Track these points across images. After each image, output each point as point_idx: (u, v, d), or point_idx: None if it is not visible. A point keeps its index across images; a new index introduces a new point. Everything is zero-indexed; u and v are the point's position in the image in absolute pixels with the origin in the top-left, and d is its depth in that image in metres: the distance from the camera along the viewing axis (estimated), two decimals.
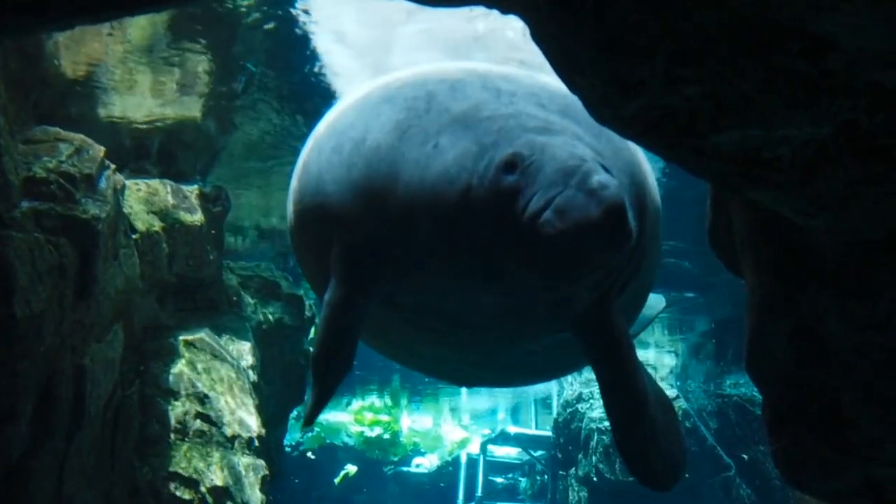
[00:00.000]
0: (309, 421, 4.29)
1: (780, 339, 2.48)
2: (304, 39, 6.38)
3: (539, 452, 18.50)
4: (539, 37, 2.08)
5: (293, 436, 18.73)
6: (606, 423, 12.46)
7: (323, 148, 4.05)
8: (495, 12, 2.28)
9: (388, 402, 21.28)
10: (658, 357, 17.83)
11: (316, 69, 6.78)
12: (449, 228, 3.58)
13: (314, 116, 5.38)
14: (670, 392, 16.01)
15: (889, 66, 1.88)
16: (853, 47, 1.84)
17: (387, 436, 20.96)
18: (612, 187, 3.19)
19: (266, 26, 6.14)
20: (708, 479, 15.09)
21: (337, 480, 19.40)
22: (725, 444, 15.47)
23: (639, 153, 4.09)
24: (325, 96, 6.93)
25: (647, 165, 4.25)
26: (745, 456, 14.94)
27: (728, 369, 16.18)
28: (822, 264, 2.29)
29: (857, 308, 2.25)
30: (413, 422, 22.61)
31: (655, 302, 6.41)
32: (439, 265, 3.74)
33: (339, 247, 3.96)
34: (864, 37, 1.81)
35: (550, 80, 3.80)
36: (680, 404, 15.67)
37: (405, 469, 20.99)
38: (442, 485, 20.51)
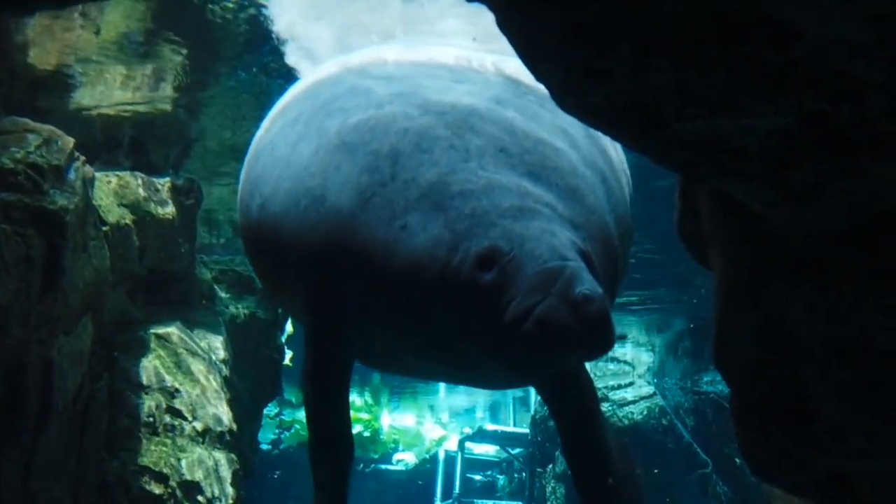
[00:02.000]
0: None
1: (745, 331, 2.48)
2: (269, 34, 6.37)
3: (517, 450, 18.51)
4: (504, 24, 2.06)
5: (271, 433, 18.65)
6: None
7: (278, 183, 3.80)
8: None
9: (369, 399, 21.26)
10: (635, 354, 17.90)
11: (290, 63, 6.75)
12: (417, 316, 3.42)
13: None
14: (647, 389, 16.08)
15: (855, 55, 1.87)
16: (819, 36, 1.83)
17: (367, 433, 20.94)
18: (597, 299, 3.02)
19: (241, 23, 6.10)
20: (684, 476, 15.15)
21: None
22: (702, 442, 15.52)
23: (613, 193, 3.91)
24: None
25: (623, 192, 4.14)
26: (725, 449, 15.01)
27: (705, 366, 16.26)
28: (787, 255, 2.29)
29: (822, 299, 2.25)
30: (393, 420, 22.60)
31: None
32: (403, 343, 3.64)
33: (302, 304, 3.83)
34: (829, 25, 1.80)
35: (516, 104, 3.74)
36: (657, 402, 15.73)
37: (383, 467, 20.96)
38: (420, 482, 20.49)
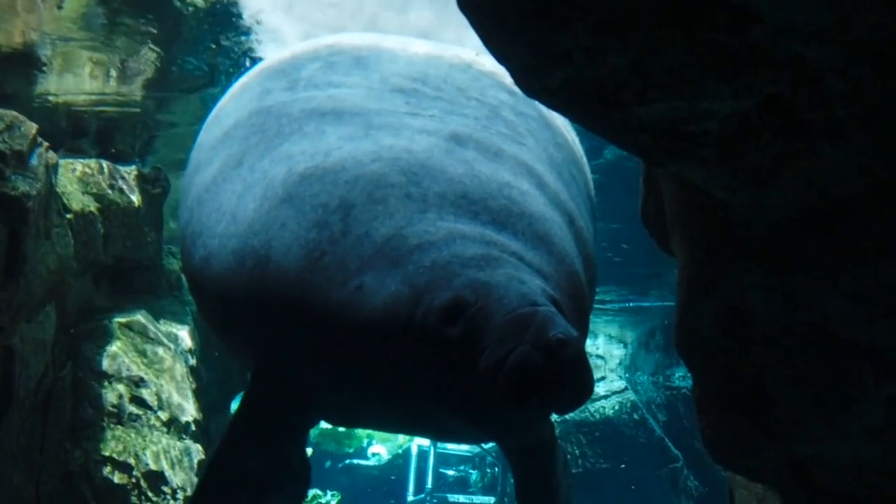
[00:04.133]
0: None
1: (706, 317, 2.48)
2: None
3: (490, 444, 18.53)
4: (465, 6, 2.05)
5: None
6: (554, 416, 12.53)
7: (223, 239, 3.46)
8: None
9: None
10: (607, 348, 17.97)
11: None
12: (379, 379, 3.14)
13: None
14: (619, 384, 16.16)
15: (812, 38, 1.88)
16: (776, 19, 1.83)
17: (342, 427, 20.90)
18: (572, 343, 2.78)
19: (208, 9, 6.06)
20: (655, 470, 15.24)
21: None
22: (673, 436, 15.61)
23: (580, 234, 3.66)
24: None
25: (590, 228, 3.91)
26: (696, 444, 15.13)
27: (677, 361, 16.34)
28: (746, 241, 2.30)
29: (780, 285, 2.26)
30: None
31: None
32: (364, 405, 3.41)
33: (252, 361, 3.58)
34: (786, 9, 1.81)
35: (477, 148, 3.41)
36: (629, 396, 15.81)
37: (356, 462, 20.92)
38: (393, 477, 20.47)
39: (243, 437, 3.55)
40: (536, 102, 3.89)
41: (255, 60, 6.68)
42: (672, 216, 2.59)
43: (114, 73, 6.95)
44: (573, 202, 3.71)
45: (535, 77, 2.13)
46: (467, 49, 4.13)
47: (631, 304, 15.56)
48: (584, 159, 4.29)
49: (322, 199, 3.20)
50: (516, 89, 3.83)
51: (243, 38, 6.50)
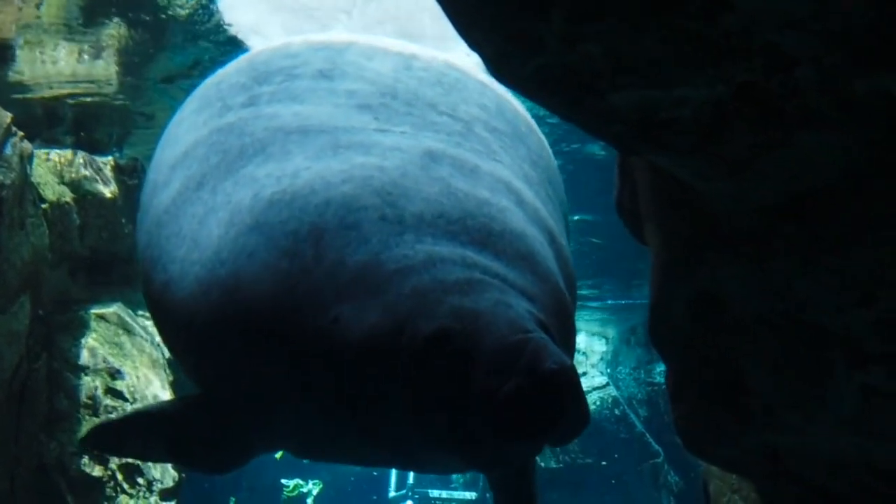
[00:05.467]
0: None
1: (680, 305, 2.48)
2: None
3: None
4: None
5: None
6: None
7: (185, 266, 3.27)
8: None
9: None
10: (588, 343, 18.02)
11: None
12: (356, 415, 2.96)
13: None
14: (600, 379, 16.21)
15: (786, 26, 1.87)
16: (749, 7, 1.83)
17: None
18: (568, 372, 2.64)
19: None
20: (636, 465, 15.32)
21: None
22: (654, 432, 15.69)
23: (561, 251, 3.53)
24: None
25: (567, 242, 3.78)
26: (677, 440, 15.22)
27: (658, 357, 16.40)
28: (721, 230, 2.29)
29: (754, 273, 2.26)
30: None
31: None
32: (330, 441, 3.23)
33: (211, 386, 3.39)
34: None
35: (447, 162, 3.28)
36: (610, 392, 15.87)
37: None
38: (374, 473, 20.47)
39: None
40: (510, 118, 3.84)
41: (241, 48, 6.62)
42: (646, 205, 2.59)
43: (91, 62, 6.89)
44: (552, 219, 3.60)
45: (508, 64, 2.12)
46: (434, 50, 3.96)
47: (610, 303, 15.62)
48: (559, 176, 4.17)
49: (292, 227, 3.02)
50: (489, 104, 3.76)
51: (228, 27, 6.46)
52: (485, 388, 2.65)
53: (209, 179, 3.36)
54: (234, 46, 6.71)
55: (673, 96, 2.00)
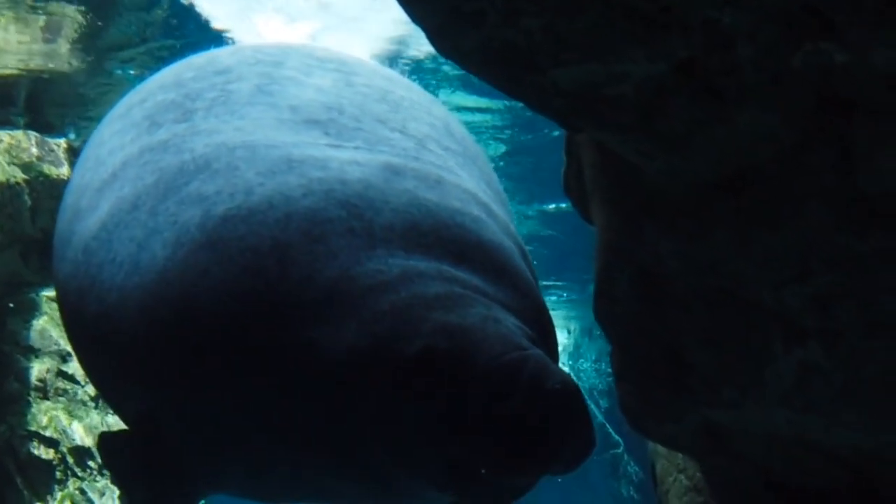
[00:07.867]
0: None
1: (623, 283, 2.50)
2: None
3: None
4: None
5: None
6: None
7: (125, 291, 2.98)
8: None
9: None
10: None
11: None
12: (332, 447, 2.72)
13: None
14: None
15: (726, 3, 1.89)
16: None
17: None
18: (574, 392, 2.42)
19: None
20: (596, 456, 15.45)
21: None
22: (615, 423, 15.81)
23: (530, 264, 3.30)
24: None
25: (534, 271, 3.48)
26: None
27: None
28: (661, 206, 2.31)
29: (693, 249, 2.28)
30: None
31: None
32: (292, 486, 3.01)
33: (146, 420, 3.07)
34: None
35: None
36: None
37: None
38: None
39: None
40: (459, 138, 3.74)
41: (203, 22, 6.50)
42: (591, 183, 2.60)
43: (45, 41, 6.78)
44: (517, 235, 3.39)
45: (449, 38, 2.12)
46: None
47: (573, 296, 15.68)
48: (507, 200, 4.06)
49: (250, 242, 2.76)
50: (437, 123, 3.67)
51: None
52: (483, 412, 2.40)
53: (146, 200, 3.08)
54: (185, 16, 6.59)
55: (614, 72, 2.01)
